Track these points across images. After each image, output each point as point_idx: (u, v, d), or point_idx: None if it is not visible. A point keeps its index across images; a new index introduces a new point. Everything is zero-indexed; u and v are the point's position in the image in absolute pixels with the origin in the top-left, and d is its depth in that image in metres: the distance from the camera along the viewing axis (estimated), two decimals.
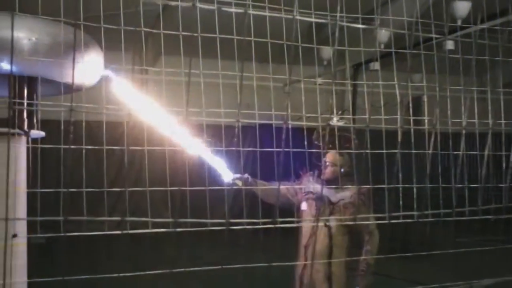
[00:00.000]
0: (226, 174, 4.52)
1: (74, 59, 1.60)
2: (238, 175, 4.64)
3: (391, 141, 3.03)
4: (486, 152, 2.66)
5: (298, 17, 1.70)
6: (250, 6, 1.78)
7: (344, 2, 2.48)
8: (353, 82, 10.98)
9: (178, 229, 1.97)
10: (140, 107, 3.35)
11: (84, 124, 2.88)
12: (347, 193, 4.72)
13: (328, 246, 4.71)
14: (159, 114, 3.40)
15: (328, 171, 4.81)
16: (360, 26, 2.34)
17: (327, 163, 4.80)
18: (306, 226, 4.82)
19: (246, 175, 4.72)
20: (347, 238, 4.76)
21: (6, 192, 1.68)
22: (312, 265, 4.71)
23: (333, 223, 4.66)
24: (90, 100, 3.03)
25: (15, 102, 3.59)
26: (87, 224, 2.58)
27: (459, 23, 7.80)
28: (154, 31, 2.58)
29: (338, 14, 1.86)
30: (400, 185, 2.70)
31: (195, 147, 3.88)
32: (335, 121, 4.75)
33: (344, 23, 2.11)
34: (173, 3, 1.80)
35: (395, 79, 2.92)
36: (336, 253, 4.70)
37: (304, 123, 2.81)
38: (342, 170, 4.77)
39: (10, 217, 3.50)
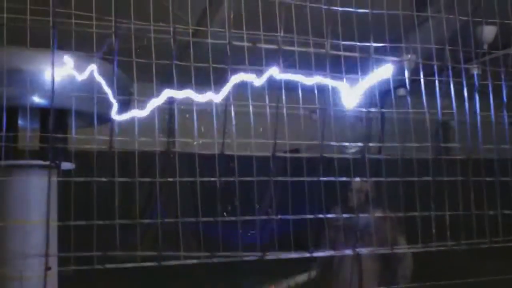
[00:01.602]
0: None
1: (115, 94, 1.62)
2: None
3: (421, 166, 3.02)
4: None
5: (331, 52, 1.72)
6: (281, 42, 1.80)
7: (371, 31, 2.50)
8: (382, 110, 10.91)
9: (213, 260, 1.98)
10: (171, 137, 3.38)
11: (116, 155, 2.90)
12: (370, 219, 4.69)
13: (358, 271, 4.67)
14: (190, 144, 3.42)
15: (354, 198, 4.80)
16: (390, 58, 2.35)
17: (353, 190, 4.80)
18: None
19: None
20: (378, 262, 4.71)
21: (47, 226, 1.70)
22: None
23: (363, 252, 4.62)
24: (120, 127, 3.06)
25: (48, 135, 3.65)
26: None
27: (485, 47, 7.75)
28: (185, 63, 2.61)
29: (371, 45, 1.88)
30: (433, 213, 2.68)
31: None
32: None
33: (374, 56, 2.13)
34: (209, 41, 1.84)
35: (425, 106, 2.91)
36: (366, 278, 4.65)
37: (335, 155, 2.81)
38: (368, 196, 4.76)
39: (41, 251, 3.53)
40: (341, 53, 2.17)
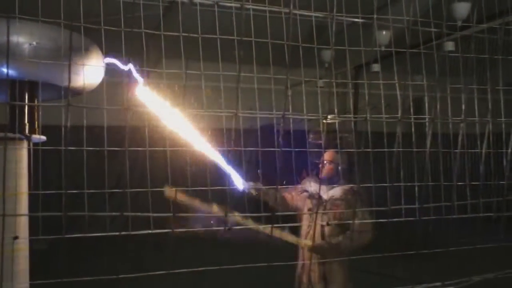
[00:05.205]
0: (239, 182, 4.38)
1: (70, 54, 1.60)
2: (251, 183, 4.50)
3: (393, 142, 3.03)
4: (483, 150, 2.66)
5: (296, 11, 1.71)
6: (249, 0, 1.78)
7: (343, 4, 2.48)
8: (354, 81, 10.99)
9: (179, 230, 1.97)
10: (142, 107, 3.33)
11: (85, 125, 2.87)
12: (338, 191, 4.70)
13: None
14: (161, 114, 3.38)
15: (326, 169, 4.82)
16: (359, 20, 2.35)
17: (326, 162, 4.82)
18: (303, 226, 4.82)
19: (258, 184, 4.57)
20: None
21: (3, 194, 1.68)
22: (313, 265, 4.70)
23: (324, 222, 4.61)
24: (92, 104, 3.02)
25: (15, 106, 3.59)
26: (89, 229, 2.58)
27: (459, 24, 7.78)
28: (155, 32, 2.58)
29: (335, 10, 1.87)
30: (402, 184, 2.70)
31: (206, 150, 3.79)
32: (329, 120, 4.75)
33: (344, 18, 2.12)
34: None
35: (396, 77, 2.92)
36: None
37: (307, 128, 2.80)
38: (340, 168, 4.78)
39: (11, 221, 3.49)
40: (310, 13, 2.15)
